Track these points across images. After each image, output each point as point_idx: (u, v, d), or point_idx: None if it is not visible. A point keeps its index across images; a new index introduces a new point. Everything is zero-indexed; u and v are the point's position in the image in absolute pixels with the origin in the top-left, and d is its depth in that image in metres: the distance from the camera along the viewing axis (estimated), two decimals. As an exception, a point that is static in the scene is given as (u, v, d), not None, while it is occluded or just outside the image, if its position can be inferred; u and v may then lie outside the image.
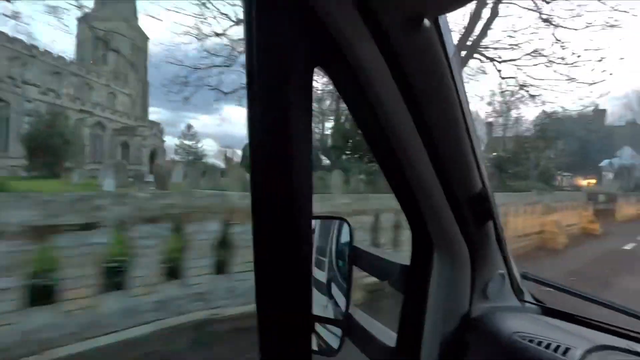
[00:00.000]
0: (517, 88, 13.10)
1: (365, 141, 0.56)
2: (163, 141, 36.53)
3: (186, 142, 43.68)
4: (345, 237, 0.71)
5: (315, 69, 0.44)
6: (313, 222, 0.55)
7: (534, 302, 0.75)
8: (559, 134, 21.27)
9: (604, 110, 38.59)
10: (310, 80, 0.41)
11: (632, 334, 0.62)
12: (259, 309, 0.45)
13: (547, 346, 0.56)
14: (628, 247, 9.26)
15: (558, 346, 0.55)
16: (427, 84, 0.48)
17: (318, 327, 0.71)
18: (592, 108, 25.80)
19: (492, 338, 0.62)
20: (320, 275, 0.73)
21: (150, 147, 32.89)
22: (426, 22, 0.41)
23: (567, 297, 0.74)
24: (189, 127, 46.87)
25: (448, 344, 0.64)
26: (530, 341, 0.58)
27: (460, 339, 0.65)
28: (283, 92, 0.40)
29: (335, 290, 0.71)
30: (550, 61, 11.12)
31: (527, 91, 12.95)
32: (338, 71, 0.47)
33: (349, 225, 0.71)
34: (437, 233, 0.63)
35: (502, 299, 0.70)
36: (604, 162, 19.76)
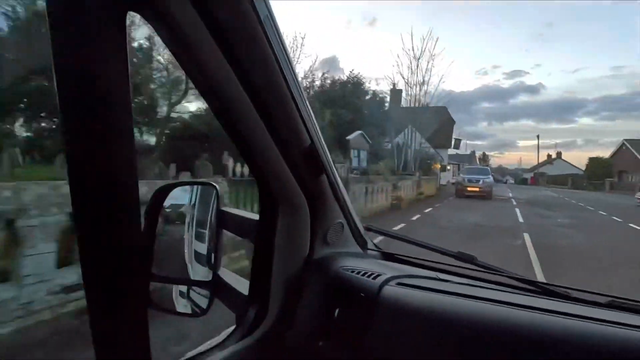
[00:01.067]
0: None
1: (206, 103, 0.54)
2: None
3: None
4: (215, 203, 0.74)
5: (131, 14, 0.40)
6: (188, 191, 0.75)
7: (375, 249, 0.91)
8: (335, 105, 17.50)
9: (400, 91, 39.72)
10: (123, 25, 0.38)
11: (441, 266, 0.83)
12: (88, 298, 0.42)
13: (364, 274, 0.72)
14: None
15: (372, 274, 0.72)
16: (243, 46, 0.48)
17: (191, 292, 0.76)
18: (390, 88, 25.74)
19: (323, 273, 0.76)
20: (200, 247, 0.76)
21: None
22: None
23: (413, 247, 0.89)
24: None
25: (291, 284, 0.74)
26: (352, 272, 0.74)
27: (300, 278, 0.75)
28: (92, 41, 0.36)
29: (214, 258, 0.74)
30: None
31: None
32: (155, 18, 0.43)
33: (216, 189, 0.75)
34: (279, 189, 0.70)
35: (346, 246, 0.84)
36: (351, 136, 16.14)
